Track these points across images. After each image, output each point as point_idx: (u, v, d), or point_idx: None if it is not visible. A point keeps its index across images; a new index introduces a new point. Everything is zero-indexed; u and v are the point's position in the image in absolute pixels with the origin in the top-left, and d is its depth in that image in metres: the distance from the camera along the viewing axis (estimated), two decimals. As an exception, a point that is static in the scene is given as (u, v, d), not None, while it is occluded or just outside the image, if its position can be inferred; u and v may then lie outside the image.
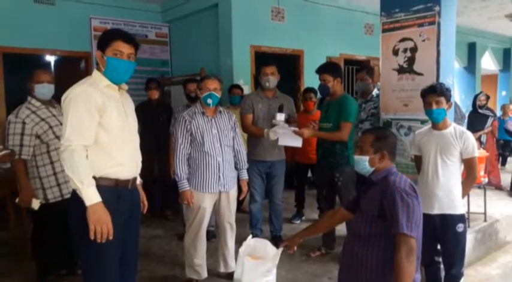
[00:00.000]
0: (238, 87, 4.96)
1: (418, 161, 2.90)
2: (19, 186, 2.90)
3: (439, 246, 2.80)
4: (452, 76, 3.42)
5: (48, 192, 2.93)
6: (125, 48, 2.05)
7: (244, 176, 3.28)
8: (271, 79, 3.73)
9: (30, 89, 2.99)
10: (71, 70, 5.80)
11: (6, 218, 4.06)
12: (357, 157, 2.05)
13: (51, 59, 7.14)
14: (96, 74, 2.08)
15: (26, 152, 2.83)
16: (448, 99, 2.68)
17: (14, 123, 2.83)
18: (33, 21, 5.54)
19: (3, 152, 2.67)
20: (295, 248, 2.27)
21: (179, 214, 4.41)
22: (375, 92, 4.08)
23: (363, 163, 2.01)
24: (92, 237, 1.91)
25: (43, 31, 5.62)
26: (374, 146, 2.00)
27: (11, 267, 3.52)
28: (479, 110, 6.51)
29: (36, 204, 2.88)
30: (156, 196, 4.96)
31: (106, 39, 2.05)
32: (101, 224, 1.90)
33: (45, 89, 2.97)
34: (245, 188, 3.29)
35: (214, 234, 3.89)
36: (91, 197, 1.90)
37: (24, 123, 2.83)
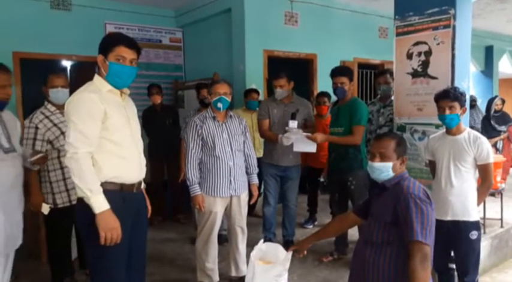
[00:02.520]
0: (255, 91, 4.95)
1: (432, 166, 2.85)
2: (31, 191, 2.91)
3: (453, 253, 2.75)
4: (468, 80, 3.36)
5: (57, 197, 2.96)
6: (128, 54, 2.04)
7: (255, 180, 3.28)
8: (280, 92, 3.73)
9: (45, 93, 3.03)
10: (86, 75, 5.89)
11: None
12: (378, 164, 1.98)
13: (67, 64, 7.27)
14: (97, 79, 2.07)
15: None
16: (462, 104, 2.63)
17: (28, 128, 2.87)
18: (49, 27, 5.65)
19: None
20: (305, 252, 2.25)
21: (191, 217, 4.42)
22: (393, 96, 4.02)
23: (387, 170, 1.96)
24: (103, 243, 1.93)
25: (59, 36, 5.72)
26: (396, 151, 1.97)
27: (27, 270, 3.56)
28: (494, 115, 6.35)
29: (46, 209, 2.92)
30: (167, 200, 4.99)
31: (108, 44, 2.04)
32: (110, 230, 1.93)
33: (59, 93, 2.99)
34: (255, 193, 3.28)
35: (226, 238, 3.89)
36: (100, 204, 1.92)
37: (37, 128, 2.87)
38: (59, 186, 2.95)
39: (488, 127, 6.26)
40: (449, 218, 2.63)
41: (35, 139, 2.86)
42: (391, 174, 1.97)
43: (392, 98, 3.98)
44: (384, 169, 1.97)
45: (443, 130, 2.81)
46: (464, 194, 2.63)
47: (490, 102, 6.48)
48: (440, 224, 2.36)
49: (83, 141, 1.93)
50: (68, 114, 1.97)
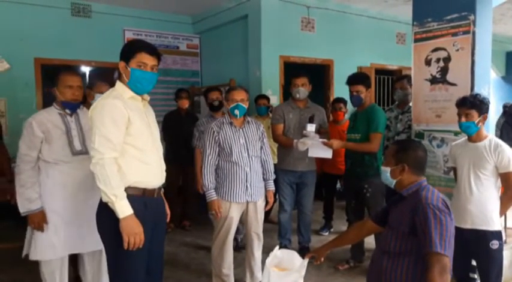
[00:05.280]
0: (265, 97, 4.95)
1: (455, 172, 2.81)
2: None
3: (474, 262, 2.69)
4: (489, 86, 3.30)
5: None
6: (149, 60, 2.07)
7: (271, 186, 3.26)
8: (302, 90, 3.73)
9: (87, 95, 3.13)
10: (105, 80, 5.99)
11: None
12: (382, 167, 2.06)
13: (86, 69, 7.41)
14: (119, 85, 2.11)
15: None
16: (481, 112, 2.57)
17: None
18: (70, 34, 5.77)
19: None
20: (322, 259, 2.23)
21: (197, 224, 4.39)
22: (411, 103, 3.98)
23: (385, 174, 2.02)
24: (126, 248, 1.95)
25: (79, 43, 5.85)
26: (395, 157, 1.99)
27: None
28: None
29: None
30: (178, 206, 5.00)
31: (130, 50, 2.07)
32: (134, 235, 1.95)
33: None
34: (271, 199, 3.26)
35: (243, 246, 3.87)
36: (124, 209, 1.94)
37: None
38: None
39: (510, 133, 6.12)
40: (468, 227, 2.58)
41: None
42: (390, 179, 2.00)
43: (411, 104, 3.94)
44: (383, 173, 2.04)
45: (465, 137, 2.75)
46: (484, 203, 2.57)
47: (510, 107, 6.34)
48: (459, 231, 2.31)
49: (108, 147, 1.95)
50: (92, 120, 2.00)
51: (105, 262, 2.71)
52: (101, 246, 2.57)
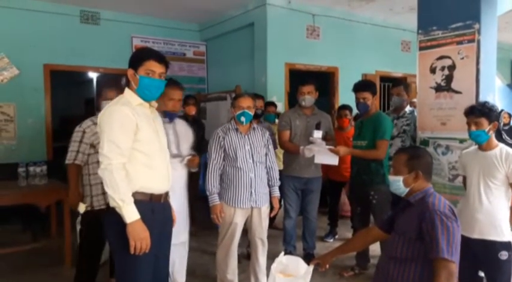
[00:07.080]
0: (273, 104, 4.99)
1: (465, 181, 2.78)
2: (69, 188, 3.10)
3: (482, 274, 2.66)
4: (494, 94, 3.32)
5: (94, 199, 3.06)
6: (157, 68, 2.11)
7: (276, 193, 3.27)
8: (308, 98, 3.75)
9: (98, 105, 3.24)
10: (112, 86, 6.06)
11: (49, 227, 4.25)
12: (391, 177, 2.04)
13: (93, 75, 7.49)
14: (128, 92, 2.14)
15: (80, 158, 3.03)
16: (491, 120, 2.54)
17: (77, 132, 3.07)
18: (79, 40, 5.85)
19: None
20: (327, 266, 2.24)
21: (203, 229, 4.39)
22: (407, 108, 4.02)
23: (397, 183, 2.00)
24: (132, 252, 1.97)
25: (88, 49, 5.92)
26: (407, 165, 1.98)
27: (51, 274, 3.64)
28: (504, 128, 6.18)
29: (82, 208, 3.04)
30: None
31: (138, 58, 2.11)
32: (140, 240, 1.97)
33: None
34: (276, 205, 3.27)
35: (247, 254, 3.87)
36: (131, 214, 1.96)
37: (84, 132, 3.05)
38: (97, 189, 3.05)
39: (500, 141, 6.09)
40: (476, 236, 2.53)
41: (80, 142, 3.03)
42: (402, 188, 1.99)
43: (406, 110, 3.97)
44: (394, 182, 2.01)
45: (475, 145, 2.71)
46: (493, 212, 2.52)
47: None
48: (466, 240, 2.30)
49: (117, 152, 1.98)
50: (101, 126, 2.04)
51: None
52: (182, 239, 2.93)
